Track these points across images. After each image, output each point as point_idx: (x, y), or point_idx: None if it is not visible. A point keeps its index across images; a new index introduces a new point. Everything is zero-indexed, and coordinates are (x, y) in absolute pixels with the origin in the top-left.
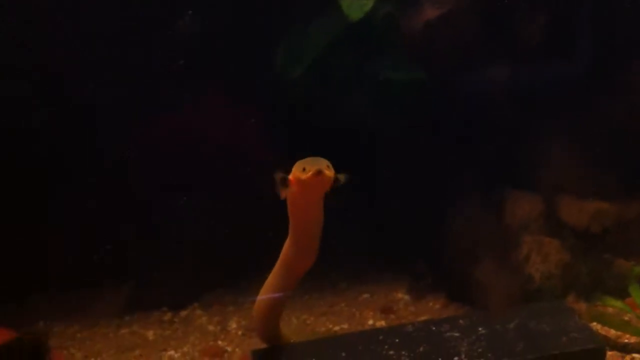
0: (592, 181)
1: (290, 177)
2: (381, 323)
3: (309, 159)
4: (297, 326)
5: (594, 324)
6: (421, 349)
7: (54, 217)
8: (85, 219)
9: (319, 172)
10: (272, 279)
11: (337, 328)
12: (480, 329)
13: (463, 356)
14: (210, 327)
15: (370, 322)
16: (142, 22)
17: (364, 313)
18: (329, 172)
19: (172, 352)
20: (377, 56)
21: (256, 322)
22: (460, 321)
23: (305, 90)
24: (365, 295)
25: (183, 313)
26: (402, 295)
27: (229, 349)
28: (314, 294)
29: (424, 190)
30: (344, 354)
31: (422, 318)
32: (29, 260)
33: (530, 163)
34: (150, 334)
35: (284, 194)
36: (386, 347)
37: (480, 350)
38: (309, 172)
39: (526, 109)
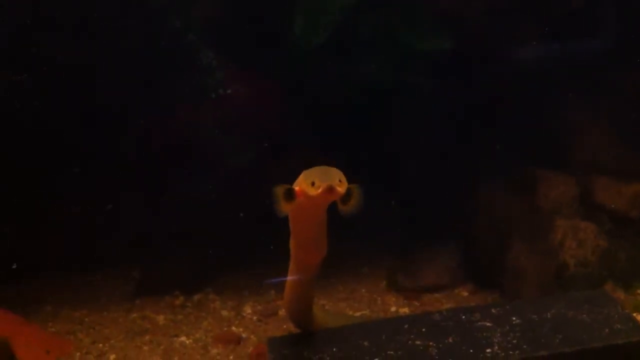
0: (630, 162)
1: (297, 188)
2: (404, 310)
3: (317, 170)
4: (334, 312)
5: (635, 314)
6: (450, 339)
7: (62, 199)
8: (94, 201)
9: (331, 189)
10: (290, 272)
11: (357, 314)
12: (514, 318)
13: (496, 348)
14: (224, 312)
15: (393, 309)
16: None
17: (386, 299)
18: (341, 188)
19: (183, 338)
20: (403, 23)
21: (286, 308)
22: (493, 310)
23: (324, 61)
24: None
25: (196, 297)
26: (428, 280)
27: (244, 335)
28: (332, 279)
29: (451, 171)
30: (366, 343)
31: (448, 306)
32: (35, 243)
33: (565, 142)
34: (161, 319)
35: (287, 208)
36: (412, 336)
37: (514, 341)
38: (318, 187)
39: (561, 85)
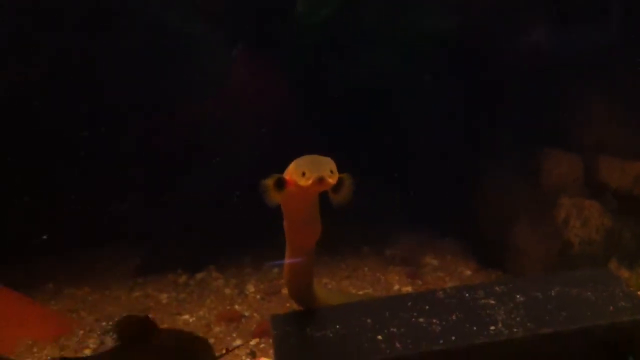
0: (635, 141)
1: (287, 177)
2: (407, 289)
3: (308, 159)
4: (337, 290)
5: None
6: (454, 317)
7: (64, 176)
8: (97, 178)
9: (321, 180)
10: (287, 253)
11: (360, 293)
12: (518, 296)
13: (500, 325)
14: (227, 291)
15: (396, 287)
16: None
17: (389, 278)
18: (332, 179)
19: (186, 317)
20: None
21: (287, 287)
22: (496, 288)
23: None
24: (391, 260)
25: (199, 276)
26: (429, 260)
27: (247, 313)
28: (336, 257)
29: (455, 149)
30: (369, 321)
31: (451, 284)
32: (36, 220)
33: (569, 121)
34: (164, 297)
35: (277, 198)
36: (415, 314)
37: (518, 319)
38: (309, 178)
39: (565, 64)
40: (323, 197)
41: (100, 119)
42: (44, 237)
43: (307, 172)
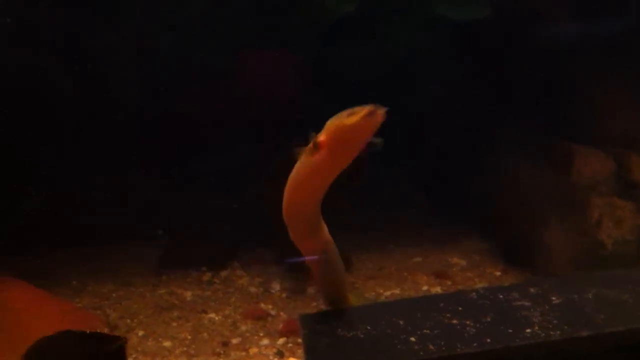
0: None
1: (322, 137)
2: (436, 289)
3: (344, 111)
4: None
5: None
6: (488, 318)
7: (85, 170)
8: (120, 172)
9: (373, 113)
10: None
11: (387, 293)
12: (553, 298)
13: (536, 327)
14: (252, 289)
15: (425, 287)
16: None
17: (417, 277)
18: (381, 111)
19: (212, 315)
20: None
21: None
22: (531, 289)
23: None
24: (417, 259)
25: (223, 273)
26: (457, 260)
27: (273, 312)
28: (360, 255)
29: (481, 142)
30: (401, 322)
31: (481, 285)
32: (56, 214)
33: (598, 116)
34: (188, 295)
35: (309, 161)
36: (448, 315)
37: (555, 321)
38: (359, 113)
39: (593, 55)
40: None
41: (124, 114)
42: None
43: (354, 111)
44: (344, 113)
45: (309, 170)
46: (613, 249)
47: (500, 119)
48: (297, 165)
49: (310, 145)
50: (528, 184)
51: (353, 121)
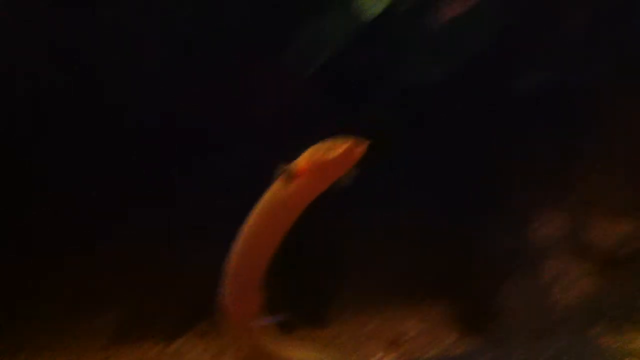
0: (623, 200)
1: (299, 167)
2: (390, 356)
3: (325, 142)
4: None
5: None
6: None
7: (35, 237)
8: (69, 239)
9: (355, 146)
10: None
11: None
12: None
13: None
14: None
15: (379, 355)
16: None
17: (371, 346)
18: (363, 144)
19: None
20: (396, 56)
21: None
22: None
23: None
24: (371, 326)
25: (173, 346)
26: (413, 324)
27: None
28: (314, 322)
29: (440, 203)
30: None
31: (433, 353)
32: (10, 285)
33: (557, 178)
34: None
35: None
36: None
37: None
38: (340, 147)
39: (552, 119)
40: None
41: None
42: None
43: (337, 142)
44: (324, 144)
45: (280, 199)
46: (567, 311)
47: (464, 181)
48: (267, 195)
49: (285, 174)
50: (486, 245)
51: (334, 155)
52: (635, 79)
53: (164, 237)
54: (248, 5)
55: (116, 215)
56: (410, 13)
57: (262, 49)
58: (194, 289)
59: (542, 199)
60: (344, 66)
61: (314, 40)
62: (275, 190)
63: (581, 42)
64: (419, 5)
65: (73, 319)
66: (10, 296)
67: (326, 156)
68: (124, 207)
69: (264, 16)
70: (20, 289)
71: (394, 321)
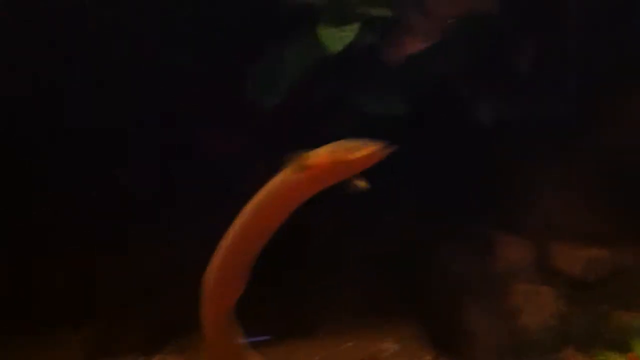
0: (586, 226)
1: (313, 161)
2: None
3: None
4: None
5: None
6: None
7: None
8: (45, 251)
9: (377, 151)
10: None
11: None
12: None
13: None
14: None
15: None
16: None
17: None
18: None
19: None
20: (355, 88)
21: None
22: None
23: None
24: (346, 346)
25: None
26: (388, 345)
27: None
28: (287, 341)
29: (409, 229)
30: None
31: None
32: None
33: (521, 204)
34: None
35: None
36: None
37: None
38: (362, 149)
39: (517, 147)
40: None
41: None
42: None
43: (357, 145)
44: (345, 143)
45: (287, 188)
46: (536, 334)
47: (432, 208)
48: (271, 184)
49: (296, 164)
50: (453, 272)
51: (355, 157)
52: (598, 108)
53: (145, 249)
54: (209, 34)
55: (94, 227)
56: (372, 47)
57: (222, 78)
58: (175, 303)
59: (510, 225)
60: (303, 98)
61: (273, 70)
62: (282, 178)
63: (547, 72)
64: (381, 40)
65: (50, 332)
66: None
67: (347, 155)
68: (103, 218)
69: (225, 45)
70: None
71: (369, 341)
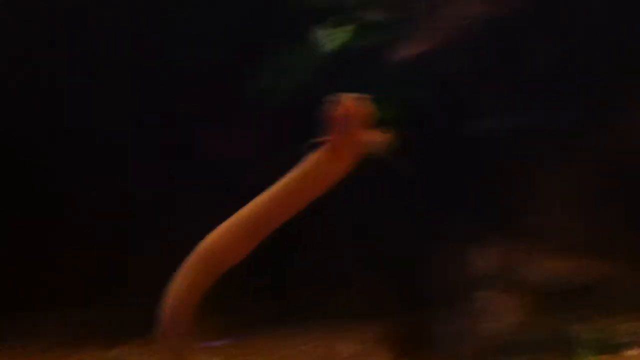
0: (559, 238)
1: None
2: None
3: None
4: None
5: None
6: None
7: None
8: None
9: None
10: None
11: None
12: None
13: None
14: None
15: None
16: None
17: None
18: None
19: None
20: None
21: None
22: None
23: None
24: (304, 347)
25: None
26: (347, 345)
27: None
28: (248, 341)
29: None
30: None
31: None
32: None
33: (497, 214)
34: None
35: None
36: None
37: None
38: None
39: (498, 157)
40: None
41: None
42: None
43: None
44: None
45: (317, 172)
46: (495, 340)
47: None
48: (300, 169)
49: (328, 147)
50: (420, 276)
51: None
52: (580, 122)
53: (116, 243)
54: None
55: (65, 218)
56: (369, 49)
57: (226, 81)
58: (141, 297)
59: (480, 234)
60: (304, 99)
61: (276, 73)
62: (315, 162)
63: (534, 87)
64: (379, 42)
65: (16, 320)
66: None
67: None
68: (76, 210)
69: (227, 49)
70: None
71: (328, 342)
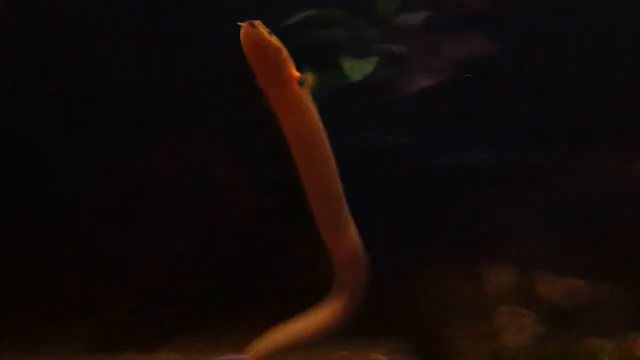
0: (566, 257)
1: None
2: None
3: None
4: None
5: None
6: None
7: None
8: (49, 246)
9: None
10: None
11: None
12: None
13: None
14: None
15: None
16: None
17: None
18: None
19: None
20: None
21: None
22: None
23: None
24: (343, 352)
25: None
26: (380, 356)
27: None
28: None
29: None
30: None
31: None
32: None
33: (507, 234)
34: None
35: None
36: None
37: None
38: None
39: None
40: None
41: None
42: None
43: None
44: None
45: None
46: (515, 353)
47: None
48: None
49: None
50: (442, 289)
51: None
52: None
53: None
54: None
55: (100, 223)
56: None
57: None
58: (175, 302)
59: (494, 254)
60: None
61: None
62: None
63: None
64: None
65: (52, 325)
66: None
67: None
68: (107, 214)
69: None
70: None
71: (364, 351)
